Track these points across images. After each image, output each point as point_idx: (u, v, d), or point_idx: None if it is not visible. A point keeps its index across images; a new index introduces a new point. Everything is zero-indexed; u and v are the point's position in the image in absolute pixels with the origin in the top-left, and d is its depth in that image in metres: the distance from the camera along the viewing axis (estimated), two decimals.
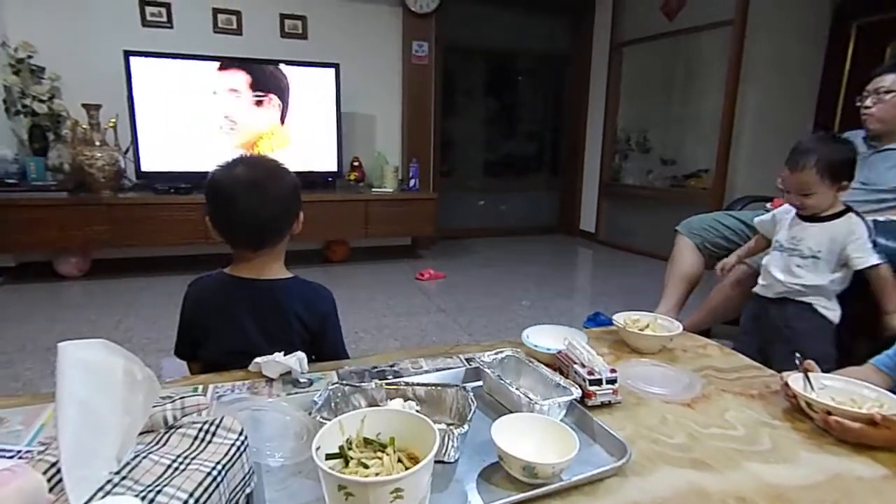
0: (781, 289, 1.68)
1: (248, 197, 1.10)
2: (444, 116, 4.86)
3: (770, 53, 3.85)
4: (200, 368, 1.18)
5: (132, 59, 3.43)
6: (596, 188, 5.22)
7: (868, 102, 1.94)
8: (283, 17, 3.97)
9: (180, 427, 0.67)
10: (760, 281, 1.77)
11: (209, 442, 0.66)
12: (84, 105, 3.35)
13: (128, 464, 0.59)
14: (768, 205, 2.15)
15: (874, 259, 1.54)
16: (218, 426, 0.67)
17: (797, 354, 0.99)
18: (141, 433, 0.66)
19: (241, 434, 0.67)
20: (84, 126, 3.39)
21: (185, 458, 0.63)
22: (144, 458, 0.60)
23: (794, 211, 1.68)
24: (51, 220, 3.25)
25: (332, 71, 3.84)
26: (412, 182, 4.22)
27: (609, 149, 5.09)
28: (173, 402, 0.68)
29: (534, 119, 5.82)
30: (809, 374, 0.95)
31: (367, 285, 3.57)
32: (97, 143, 3.39)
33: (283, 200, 1.14)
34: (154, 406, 0.67)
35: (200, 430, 0.67)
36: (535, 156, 5.92)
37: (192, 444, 0.65)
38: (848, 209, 1.60)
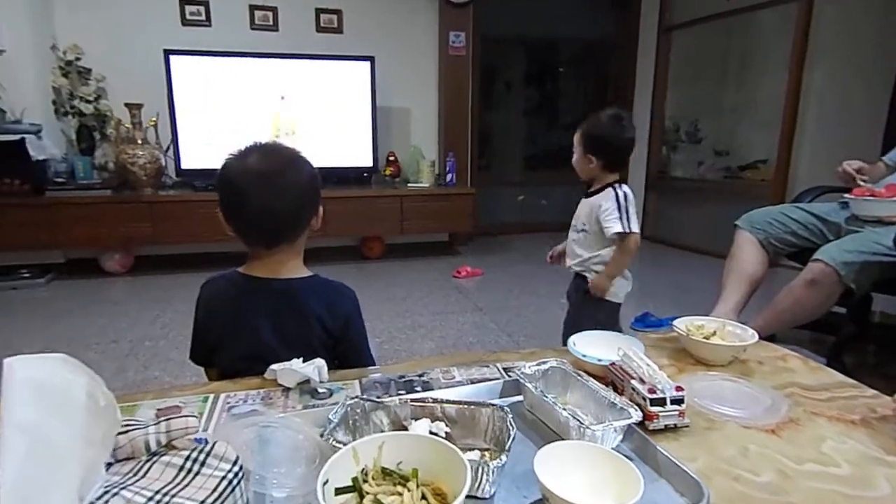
0: (569, 262, 1.79)
1: (262, 190, 0.99)
2: (482, 109, 4.72)
3: (838, 29, 3.51)
4: (217, 375, 1.10)
5: (172, 58, 3.44)
6: (643, 181, 4.97)
7: None
8: (318, 11, 3.92)
9: (164, 455, 0.57)
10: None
11: (196, 473, 0.55)
12: (126, 104, 3.39)
13: (93, 503, 0.49)
14: (846, 195, 1.92)
15: (617, 227, 1.60)
16: (208, 454, 0.57)
17: None
18: (119, 461, 0.56)
19: (235, 464, 0.57)
20: (127, 125, 3.42)
21: (165, 493, 0.53)
22: (115, 495, 0.50)
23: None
24: (95, 218, 3.30)
25: (367, 64, 3.76)
26: (449, 177, 4.10)
27: (657, 139, 4.86)
28: (157, 423, 0.58)
29: (576, 110, 5.60)
30: None
31: (403, 283, 3.46)
32: (139, 142, 3.43)
33: (300, 193, 1.04)
34: (135, 429, 0.57)
35: (188, 458, 0.57)
36: None
37: (177, 475, 0.55)
38: (611, 184, 1.66)
